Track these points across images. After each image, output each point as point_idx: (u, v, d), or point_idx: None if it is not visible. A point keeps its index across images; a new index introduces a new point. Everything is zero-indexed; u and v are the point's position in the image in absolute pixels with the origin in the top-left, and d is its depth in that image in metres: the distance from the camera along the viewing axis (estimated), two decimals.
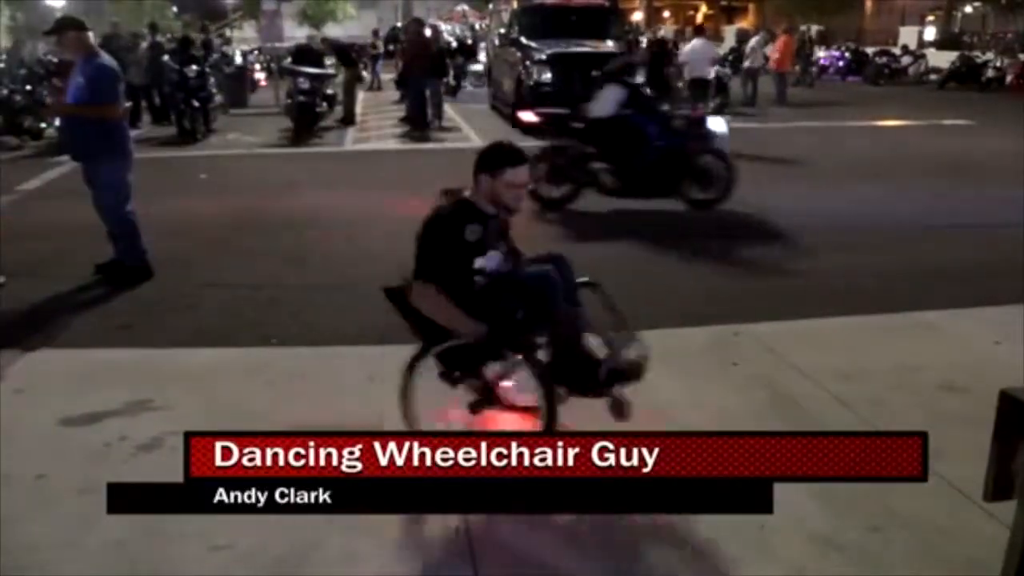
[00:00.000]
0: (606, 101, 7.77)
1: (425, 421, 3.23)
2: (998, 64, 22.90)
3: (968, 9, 39.49)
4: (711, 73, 12.97)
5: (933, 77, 24.47)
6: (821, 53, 28.99)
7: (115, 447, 3.49)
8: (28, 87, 13.40)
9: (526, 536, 2.83)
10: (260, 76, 20.78)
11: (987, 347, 4.53)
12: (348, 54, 16.09)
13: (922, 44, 30.73)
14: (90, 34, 5.82)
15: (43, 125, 12.96)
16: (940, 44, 31.20)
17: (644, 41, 22.12)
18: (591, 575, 2.73)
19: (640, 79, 8.17)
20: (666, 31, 16.41)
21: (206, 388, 4.05)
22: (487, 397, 3.24)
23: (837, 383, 4.05)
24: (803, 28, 26.83)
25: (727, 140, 7.88)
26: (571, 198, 7.86)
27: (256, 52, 25.03)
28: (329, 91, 14.67)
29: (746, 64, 17.33)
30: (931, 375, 4.15)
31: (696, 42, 13.26)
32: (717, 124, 7.77)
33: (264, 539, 2.80)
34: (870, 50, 27.72)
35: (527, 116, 8.28)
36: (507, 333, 3.10)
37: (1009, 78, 21.92)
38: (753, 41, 17.95)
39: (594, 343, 3.34)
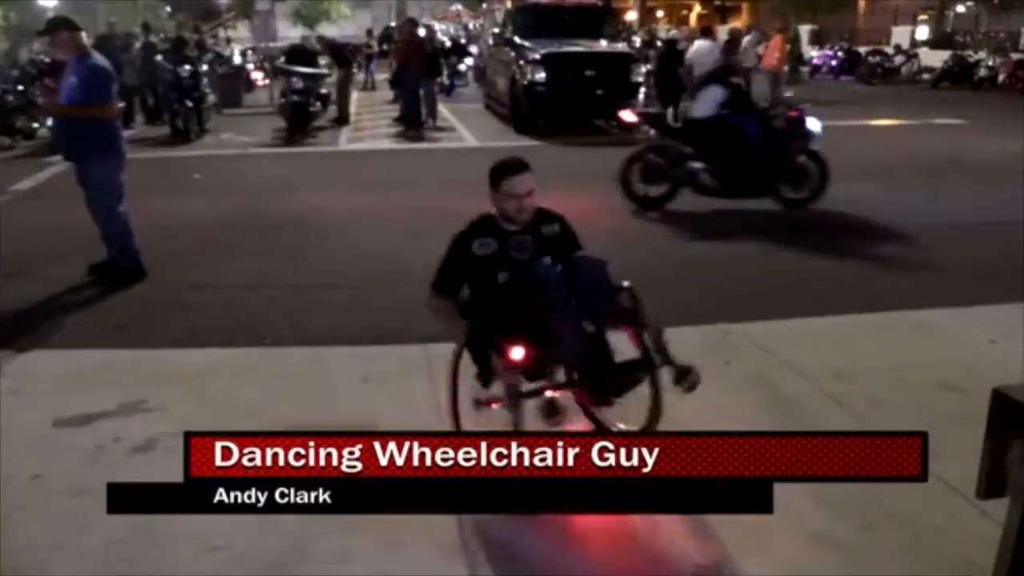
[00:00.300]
0: (707, 102, 7.83)
1: (465, 417, 3.26)
2: (990, 63, 22.99)
3: (960, 9, 39.60)
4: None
5: (926, 76, 24.54)
6: (814, 52, 29.07)
7: (109, 448, 3.48)
8: (21, 87, 13.36)
9: (521, 536, 2.83)
10: (257, 76, 20.73)
11: (982, 346, 4.55)
12: (343, 54, 16.08)
13: (915, 43, 30.80)
14: (83, 34, 5.81)
15: (36, 125, 12.94)
16: (933, 43, 31.26)
17: (658, 41, 22.24)
18: (585, 574, 2.74)
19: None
20: (676, 32, 16.43)
21: (200, 389, 4.04)
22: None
23: (832, 382, 4.06)
24: (793, 28, 26.87)
25: (822, 139, 7.93)
26: (668, 197, 7.91)
27: (250, 52, 25.00)
28: (323, 91, 14.65)
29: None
30: (926, 374, 4.15)
31: (702, 43, 13.29)
32: (813, 124, 7.83)
33: (260, 540, 2.80)
34: (863, 49, 27.78)
35: (628, 116, 8.30)
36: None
37: (1001, 77, 21.99)
38: (744, 41, 17.95)
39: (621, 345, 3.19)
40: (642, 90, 13.93)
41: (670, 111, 13.12)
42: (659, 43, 23.22)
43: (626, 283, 3.20)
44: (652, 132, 8.02)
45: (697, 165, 7.71)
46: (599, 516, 2.70)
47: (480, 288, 3.26)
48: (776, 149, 7.60)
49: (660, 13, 48.69)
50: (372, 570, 2.73)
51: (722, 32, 19.53)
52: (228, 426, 3.26)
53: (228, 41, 26.78)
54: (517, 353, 2.97)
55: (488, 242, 3.23)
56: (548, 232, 3.30)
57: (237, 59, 21.67)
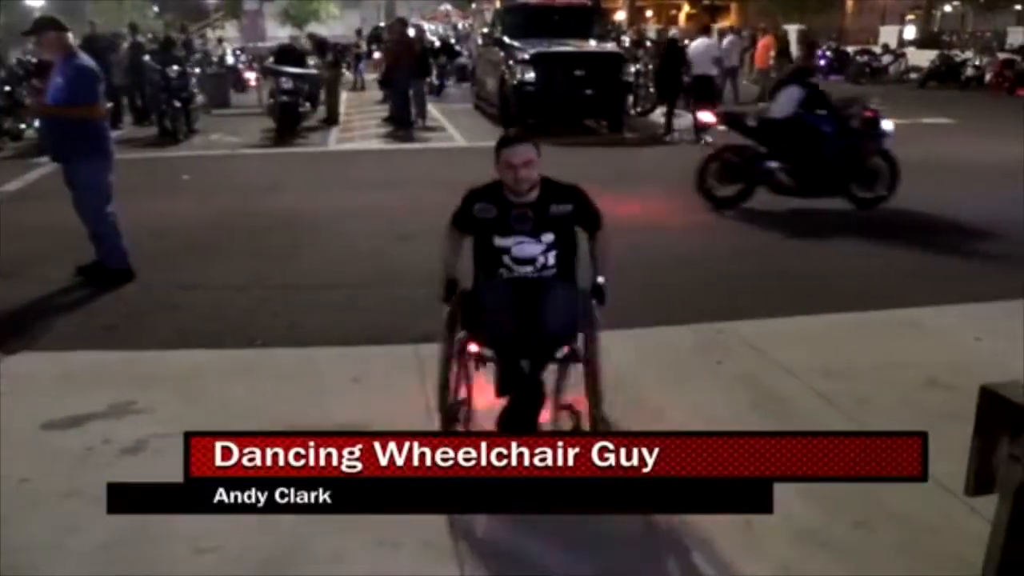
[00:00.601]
0: (785, 102, 7.89)
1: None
2: (977, 63, 23.12)
3: (947, 8, 39.83)
4: (714, 71, 13.35)
5: (913, 76, 24.65)
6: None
7: (98, 450, 3.47)
8: (7, 88, 13.28)
9: (511, 536, 2.83)
10: (250, 76, 20.64)
11: (968, 343, 4.58)
12: (332, 54, 16.04)
13: (902, 43, 30.95)
14: (69, 34, 5.77)
15: (23, 126, 12.87)
16: (920, 43, 31.42)
17: (647, 41, 22.30)
18: (575, 573, 2.74)
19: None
20: (675, 32, 16.63)
21: (190, 390, 4.03)
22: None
23: (822, 380, 4.08)
24: (782, 29, 27.01)
25: (893, 138, 8.01)
26: (744, 197, 7.97)
27: (239, 52, 24.92)
28: (312, 90, 14.59)
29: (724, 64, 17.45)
30: (914, 372, 4.18)
31: (700, 41, 13.52)
32: (887, 123, 7.90)
33: (252, 541, 2.79)
34: (851, 49, 27.90)
35: (705, 116, 8.33)
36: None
37: (988, 76, 22.12)
38: (726, 42, 18.07)
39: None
40: (631, 90, 13.98)
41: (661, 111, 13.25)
42: (648, 43, 23.32)
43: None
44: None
45: (774, 164, 7.81)
46: (593, 515, 2.70)
47: (479, 244, 3.40)
48: (852, 148, 7.72)
49: (649, 13, 48.76)
50: (364, 571, 2.73)
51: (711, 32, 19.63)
52: (219, 427, 3.25)
53: (220, 41, 26.64)
54: (473, 348, 3.25)
55: (488, 207, 3.34)
56: (557, 212, 3.34)
57: (230, 59, 21.60)
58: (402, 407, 3.71)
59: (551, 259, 3.36)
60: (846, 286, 5.78)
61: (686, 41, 15.91)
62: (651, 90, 15.68)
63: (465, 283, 3.36)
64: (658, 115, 15.50)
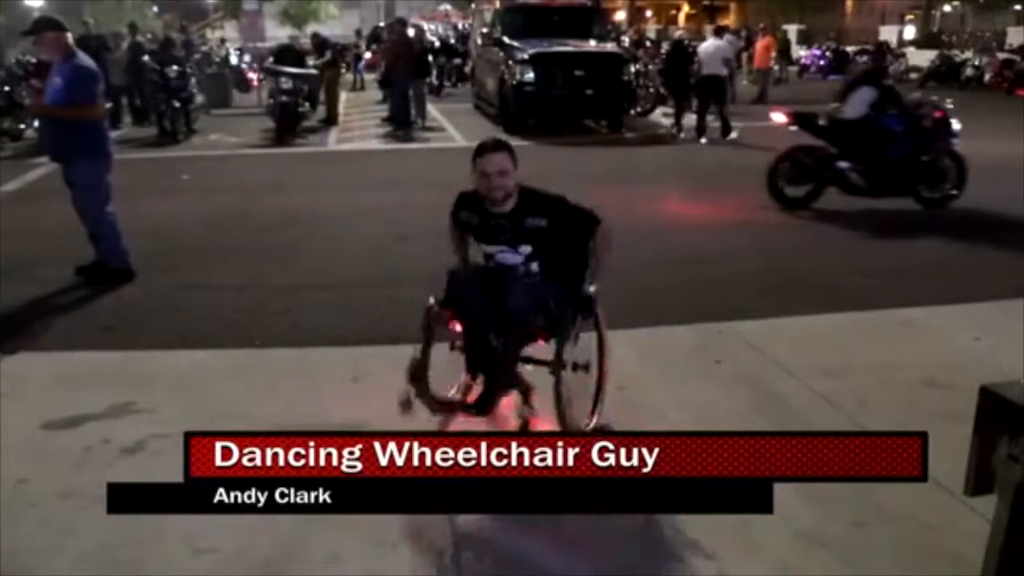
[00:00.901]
0: (858, 103, 7.93)
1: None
2: (976, 63, 23.14)
3: (947, 8, 39.85)
4: (724, 71, 13.37)
5: (913, 76, 24.66)
6: (802, 52, 29.21)
7: (97, 450, 3.47)
8: (7, 88, 13.28)
9: (507, 536, 2.83)
10: (253, 76, 20.62)
11: (967, 343, 4.58)
12: (331, 53, 16.01)
13: (902, 43, 30.99)
14: (68, 35, 5.76)
15: (22, 126, 12.86)
16: (920, 43, 31.46)
17: (647, 41, 22.37)
18: (571, 573, 2.74)
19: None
20: (682, 33, 16.80)
21: (189, 390, 4.03)
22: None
23: (821, 380, 4.08)
24: (781, 29, 27.05)
25: (962, 138, 8.08)
26: (814, 197, 8.02)
27: (239, 51, 24.90)
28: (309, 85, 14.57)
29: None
30: (913, 372, 4.18)
31: (711, 41, 13.48)
32: (956, 123, 7.95)
33: (249, 541, 2.79)
34: (850, 49, 27.92)
35: (778, 117, 8.39)
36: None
37: (987, 76, 22.13)
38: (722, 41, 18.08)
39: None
40: (631, 90, 13.97)
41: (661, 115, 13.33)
42: (648, 43, 23.33)
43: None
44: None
45: (845, 164, 7.86)
46: (591, 515, 2.70)
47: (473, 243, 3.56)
48: (923, 148, 7.79)
49: (649, 13, 48.78)
50: (361, 571, 2.72)
51: (709, 32, 19.70)
52: (218, 428, 3.25)
53: (223, 41, 26.61)
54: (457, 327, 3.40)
55: (471, 215, 3.45)
56: (531, 225, 3.35)
57: (233, 59, 21.59)
58: None
59: (534, 268, 3.41)
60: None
61: (689, 41, 15.95)
62: (651, 90, 15.69)
63: None
64: (658, 115, 15.54)
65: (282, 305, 5.43)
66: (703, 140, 12.75)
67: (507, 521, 2.85)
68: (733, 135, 12.84)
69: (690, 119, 13.35)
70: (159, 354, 4.59)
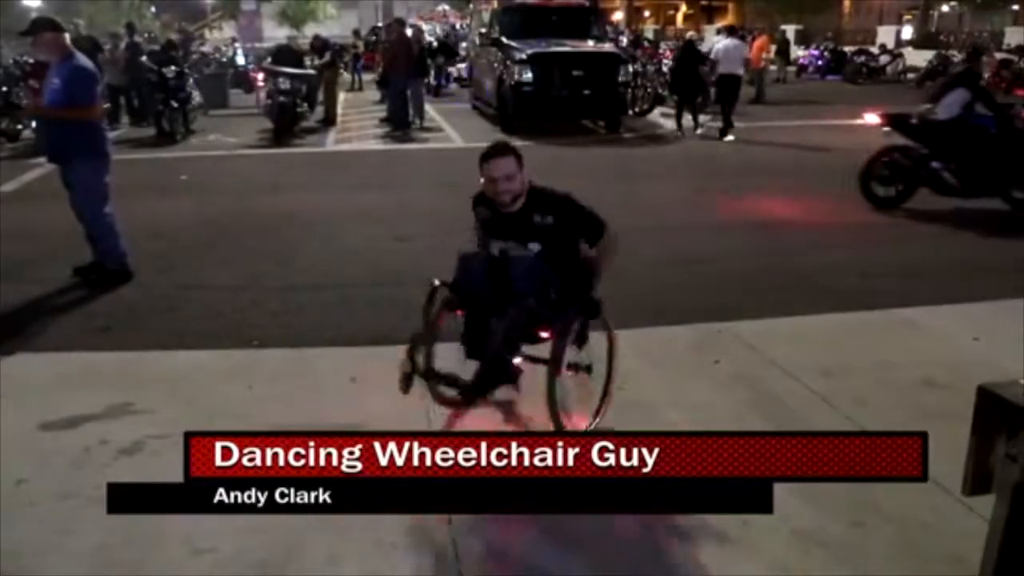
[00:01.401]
0: (951, 104, 7.97)
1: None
2: None
3: (944, 8, 39.89)
4: (741, 70, 13.72)
5: (911, 76, 24.69)
6: (800, 52, 29.23)
7: (95, 451, 3.46)
8: (4, 89, 13.26)
9: (509, 536, 2.83)
10: (258, 76, 20.58)
11: (966, 343, 4.58)
12: (329, 54, 16.00)
13: (900, 43, 31.00)
14: (66, 35, 5.76)
15: (20, 127, 12.84)
16: (917, 43, 31.49)
17: (644, 42, 22.39)
18: (571, 574, 2.74)
19: None
20: (693, 34, 17.01)
21: (187, 390, 4.03)
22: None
23: (819, 380, 4.08)
24: (780, 30, 27.13)
25: None
26: (905, 197, 8.06)
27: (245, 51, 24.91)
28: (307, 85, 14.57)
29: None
30: (911, 372, 4.19)
31: (728, 41, 13.70)
32: None
33: (248, 542, 2.79)
34: (848, 49, 27.94)
35: (871, 118, 8.43)
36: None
37: (985, 76, 22.12)
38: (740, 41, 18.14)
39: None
40: (629, 90, 13.98)
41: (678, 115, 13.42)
42: (646, 43, 23.34)
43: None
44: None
45: (938, 165, 7.89)
46: (590, 516, 2.70)
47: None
48: (1015, 149, 7.79)
49: (647, 13, 48.80)
50: (360, 571, 2.72)
51: (709, 32, 19.84)
52: (216, 428, 3.25)
53: (233, 40, 26.57)
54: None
55: (485, 211, 3.56)
56: (539, 223, 3.44)
57: (240, 59, 21.59)
58: (400, 407, 3.70)
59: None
60: None
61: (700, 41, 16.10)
62: (649, 90, 15.69)
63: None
64: (656, 115, 15.55)
65: (280, 305, 5.43)
66: (729, 138, 12.96)
67: (505, 521, 2.85)
68: (730, 137, 12.89)
69: (687, 118, 13.42)
70: (157, 355, 4.59)
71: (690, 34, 16.44)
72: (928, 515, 2.96)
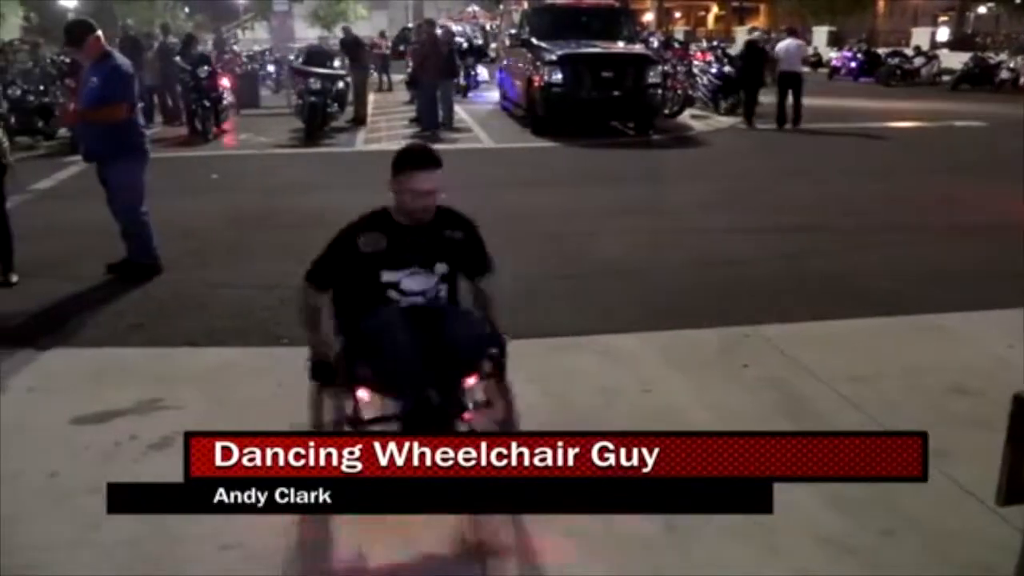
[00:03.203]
0: None
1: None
2: (1012, 65, 22.74)
3: (982, 10, 39.28)
4: (801, 67, 14.68)
5: (946, 78, 24.34)
6: (833, 54, 28.93)
7: (126, 446, 3.51)
8: (41, 87, 13.48)
9: (535, 537, 2.83)
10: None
11: (1000, 350, 4.50)
12: (360, 54, 16.08)
13: (935, 45, 30.58)
14: (99, 34, 5.81)
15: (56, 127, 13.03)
16: (953, 45, 31.04)
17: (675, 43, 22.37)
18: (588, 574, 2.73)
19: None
20: (758, 34, 17.49)
21: (217, 387, 4.07)
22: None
23: (847, 385, 4.03)
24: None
25: None
26: None
27: (267, 52, 25.15)
28: (340, 85, 14.64)
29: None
30: (942, 378, 4.12)
31: (790, 41, 14.73)
32: None
33: (274, 538, 2.81)
34: (882, 51, 27.60)
35: None
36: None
37: (1023, 79, 21.77)
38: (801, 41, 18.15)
39: None
40: (659, 92, 13.91)
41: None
42: (676, 44, 23.24)
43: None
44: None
45: None
46: (605, 517, 2.69)
47: (360, 286, 3.07)
48: None
49: (677, 14, 48.56)
50: (388, 568, 2.73)
51: (740, 34, 19.87)
52: (244, 425, 3.27)
53: (265, 51, 26.85)
54: (363, 394, 2.93)
55: (375, 238, 3.06)
56: (450, 236, 3.11)
57: (271, 68, 21.83)
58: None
59: (443, 292, 3.11)
60: None
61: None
62: (679, 92, 15.61)
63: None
64: (686, 116, 15.46)
65: None
66: (787, 126, 13.96)
67: (525, 521, 2.85)
68: (788, 126, 13.90)
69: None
70: (187, 351, 4.64)
71: (756, 34, 17.26)
72: (959, 524, 2.92)
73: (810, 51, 19.55)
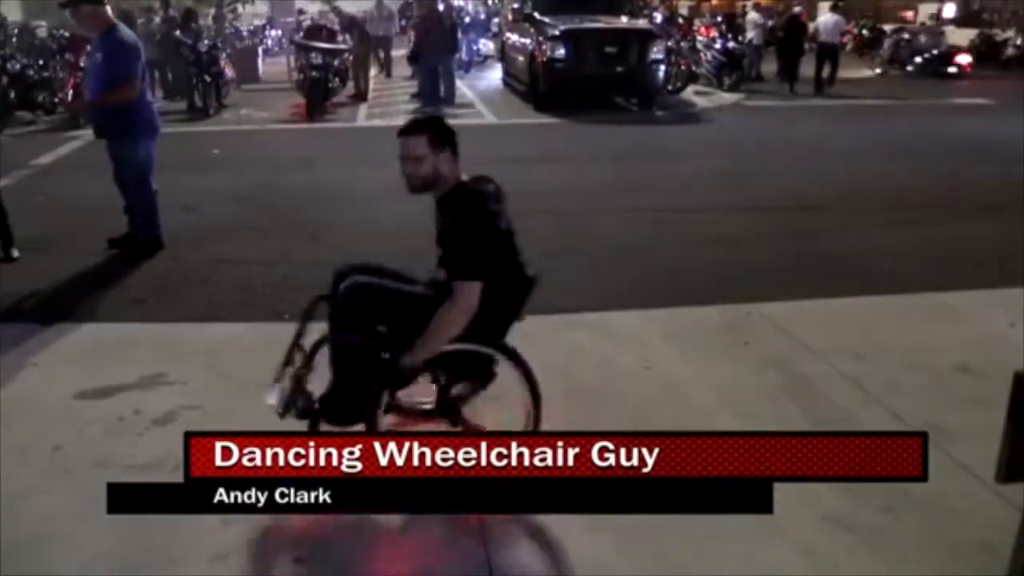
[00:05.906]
0: None
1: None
2: (1019, 42, 22.54)
3: None
4: (838, 40, 16.50)
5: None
6: None
7: (129, 420, 3.53)
8: (40, 62, 13.40)
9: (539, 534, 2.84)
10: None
11: (1002, 329, 4.50)
12: (358, 31, 15.95)
13: (941, 21, 30.28)
14: (107, 7, 5.70)
15: (56, 100, 12.97)
16: (960, 22, 30.75)
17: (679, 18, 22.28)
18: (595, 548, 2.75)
19: None
20: (799, 8, 18.38)
21: (219, 363, 4.08)
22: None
23: (849, 363, 4.04)
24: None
25: None
26: None
27: (267, 26, 24.98)
28: (343, 58, 14.58)
29: (751, 38, 17.51)
30: (945, 356, 4.13)
31: (829, 16, 16.40)
32: None
33: (276, 520, 2.82)
34: (888, 27, 27.35)
35: None
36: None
37: None
38: (754, 16, 18.14)
39: None
40: (663, 67, 13.80)
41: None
42: (680, 20, 23.04)
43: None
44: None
45: None
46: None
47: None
48: None
49: None
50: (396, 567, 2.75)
51: (749, 9, 19.92)
52: (246, 400, 3.30)
53: (300, 12, 26.76)
54: None
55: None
56: (443, 219, 3.14)
57: (269, 42, 21.76)
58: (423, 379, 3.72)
59: (440, 276, 3.10)
60: None
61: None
62: (683, 68, 15.50)
63: None
64: (690, 93, 15.36)
65: (311, 279, 5.44)
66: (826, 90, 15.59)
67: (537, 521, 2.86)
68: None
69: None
70: (190, 327, 4.65)
71: (797, 9, 18.22)
72: (959, 502, 2.93)
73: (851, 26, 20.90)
